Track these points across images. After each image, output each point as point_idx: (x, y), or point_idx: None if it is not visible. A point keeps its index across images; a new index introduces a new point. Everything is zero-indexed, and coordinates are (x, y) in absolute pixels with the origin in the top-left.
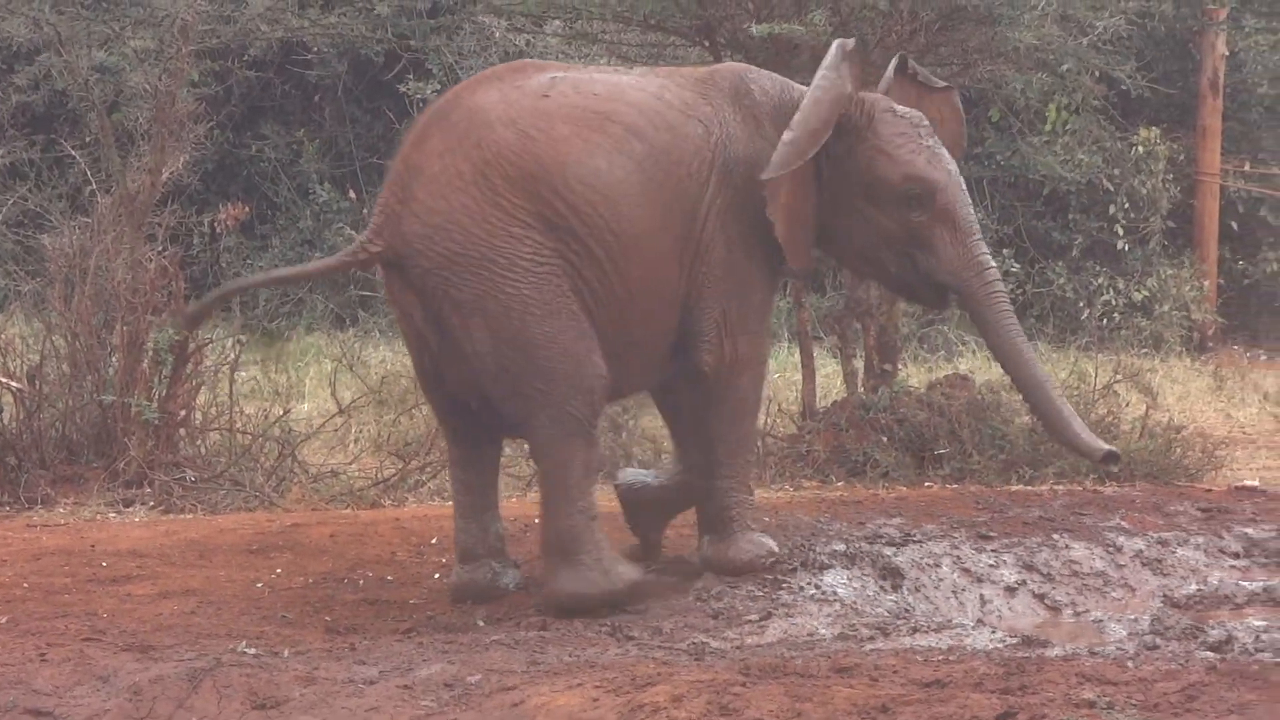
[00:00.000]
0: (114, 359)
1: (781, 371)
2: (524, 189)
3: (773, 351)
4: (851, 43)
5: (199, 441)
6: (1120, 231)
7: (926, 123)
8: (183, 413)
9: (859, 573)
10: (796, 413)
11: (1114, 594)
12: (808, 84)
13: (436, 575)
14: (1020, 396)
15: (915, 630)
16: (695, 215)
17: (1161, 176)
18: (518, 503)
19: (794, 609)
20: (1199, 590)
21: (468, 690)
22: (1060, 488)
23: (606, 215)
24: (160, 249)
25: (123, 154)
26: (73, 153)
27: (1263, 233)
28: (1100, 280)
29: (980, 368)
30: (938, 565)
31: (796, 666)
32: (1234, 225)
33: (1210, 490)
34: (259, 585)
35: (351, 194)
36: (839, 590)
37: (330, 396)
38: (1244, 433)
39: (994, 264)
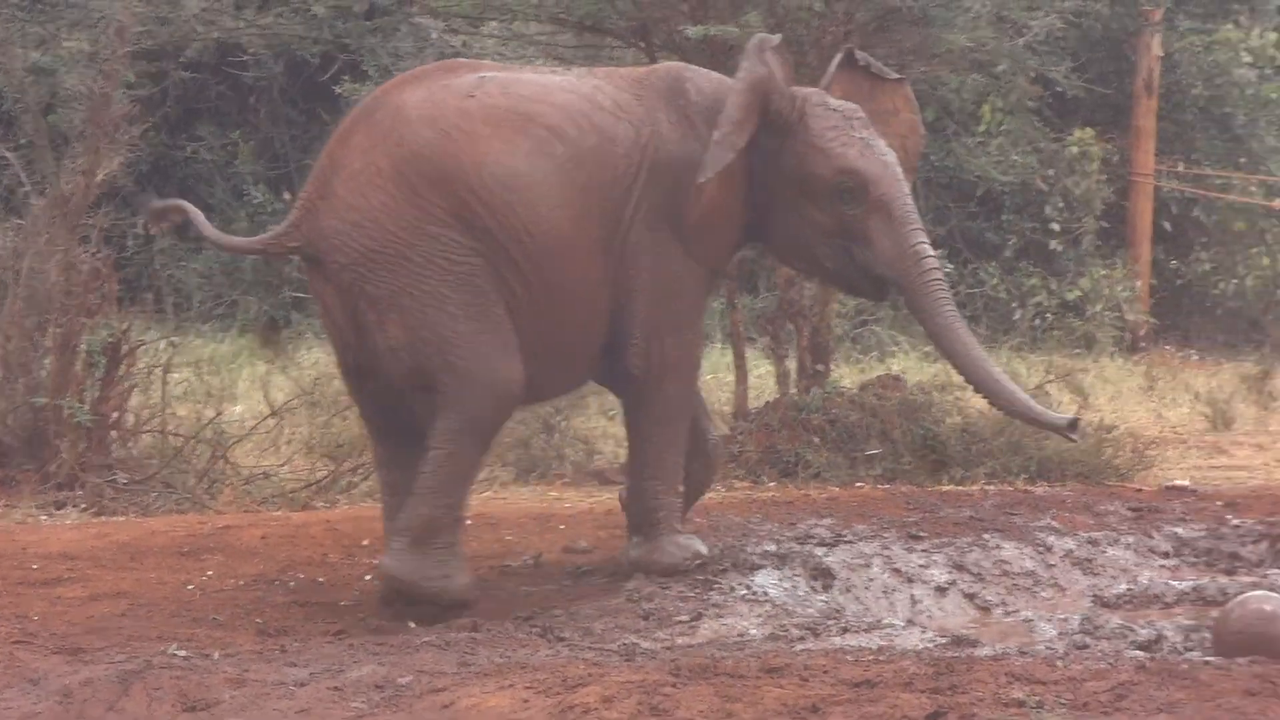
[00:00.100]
0: (46, 361)
1: (714, 372)
2: (441, 188)
3: (705, 353)
4: (775, 39)
5: (131, 444)
6: (1054, 231)
7: (861, 115)
8: (115, 415)
9: (790, 573)
10: (729, 413)
11: (1044, 594)
12: None
13: (368, 577)
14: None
15: (846, 630)
16: (620, 218)
17: (1095, 177)
18: None
19: (725, 609)
20: (1129, 590)
21: (399, 692)
22: (991, 488)
23: (524, 216)
24: (94, 251)
25: (57, 156)
26: (6, 154)
27: (1195, 233)
28: (1033, 281)
29: (912, 368)
30: (868, 565)
31: (727, 667)
32: (1167, 226)
33: (1141, 490)
34: (190, 587)
35: (287, 195)
36: (770, 591)
37: (263, 398)
38: (1175, 433)
39: (933, 253)
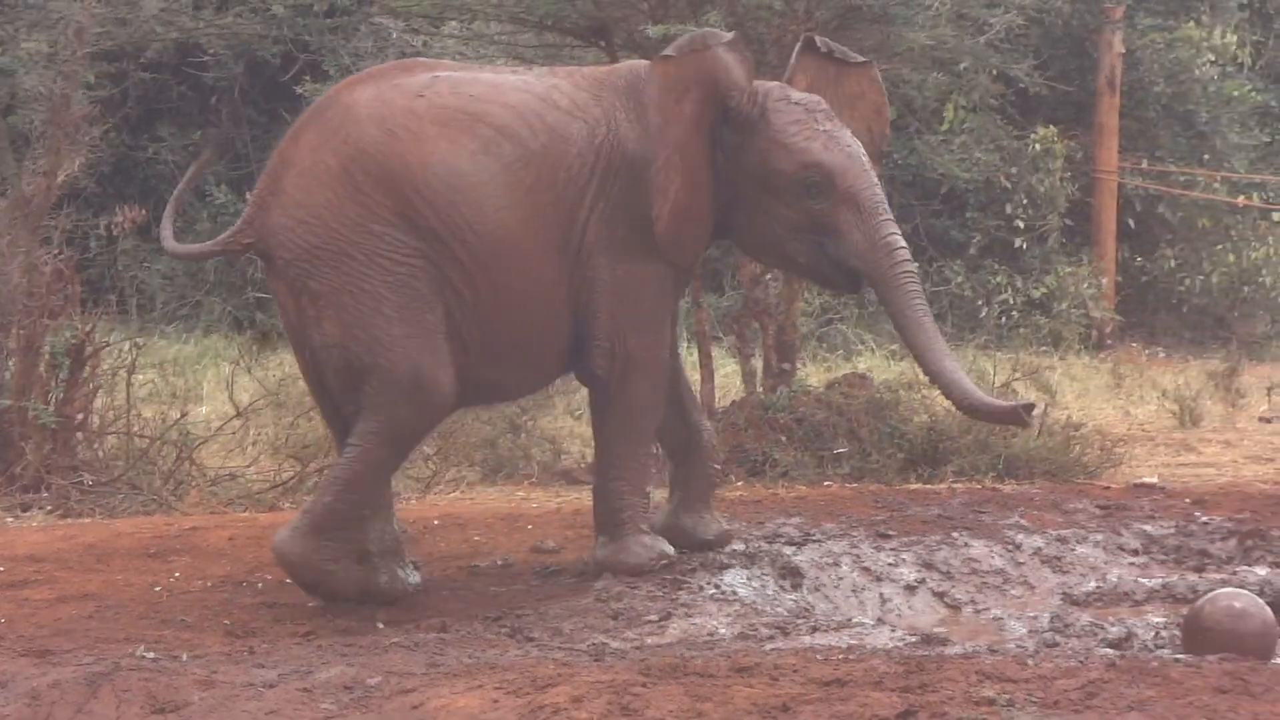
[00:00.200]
0: (10, 363)
1: None
2: (386, 187)
3: None
4: (727, 35)
5: (96, 445)
6: (1019, 228)
7: (824, 107)
8: (80, 417)
9: (758, 572)
10: None
11: (1013, 592)
12: None
13: None
14: (927, 380)
15: (815, 629)
16: (575, 218)
17: (1059, 174)
18: (417, 504)
19: (694, 609)
20: (1098, 587)
21: (367, 693)
22: (959, 486)
23: (469, 216)
24: (56, 252)
25: (17, 157)
26: None
27: (1160, 230)
28: (998, 278)
29: (879, 366)
30: (837, 564)
31: (696, 666)
32: (1131, 223)
33: (1109, 487)
34: (157, 589)
35: (249, 196)
36: (739, 590)
37: (228, 399)
38: (1142, 430)
39: (904, 245)
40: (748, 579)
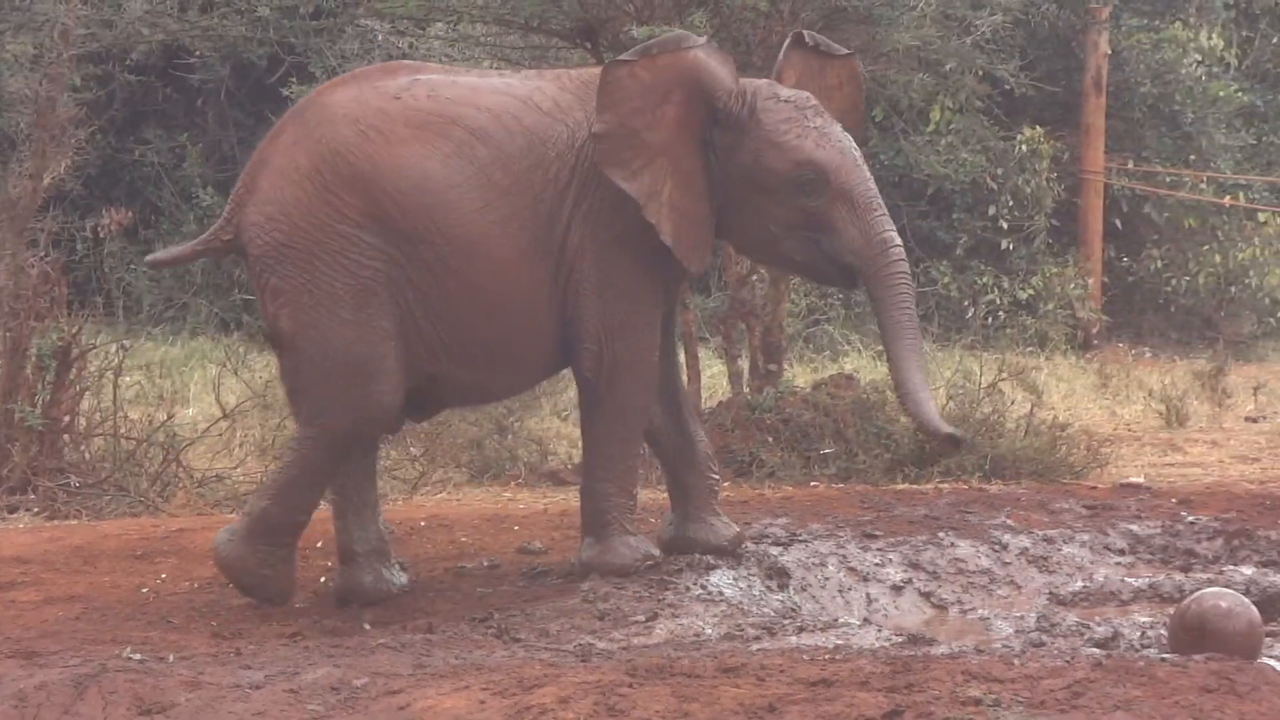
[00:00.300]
0: None
1: None
2: (355, 188)
3: None
4: (700, 39)
5: (83, 447)
6: (1005, 229)
7: (814, 103)
8: (67, 418)
9: (745, 573)
10: None
11: (1000, 592)
12: None
13: (322, 579)
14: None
15: (802, 630)
16: (556, 220)
17: (1045, 175)
18: (403, 505)
19: (680, 609)
20: (1085, 587)
21: (354, 694)
22: (945, 486)
23: (440, 219)
24: (43, 254)
25: (4, 159)
26: None
27: (1146, 230)
28: (985, 279)
29: (865, 367)
30: (824, 564)
31: (683, 667)
32: (1118, 223)
33: (1095, 488)
34: (144, 591)
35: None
36: (725, 590)
37: (215, 401)
38: (1129, 430)
39: (898, 242)
40: (734, 579)
